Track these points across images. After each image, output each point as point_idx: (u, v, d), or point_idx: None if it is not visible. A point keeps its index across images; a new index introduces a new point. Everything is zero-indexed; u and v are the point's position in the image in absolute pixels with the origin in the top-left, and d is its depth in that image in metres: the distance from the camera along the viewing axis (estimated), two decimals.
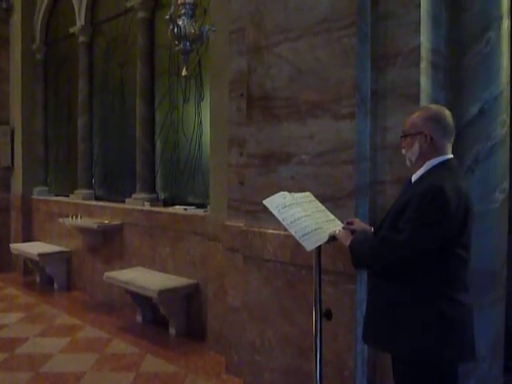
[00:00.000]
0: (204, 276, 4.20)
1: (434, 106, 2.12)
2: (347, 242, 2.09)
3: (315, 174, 2.87)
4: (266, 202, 2.27)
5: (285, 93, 3.01)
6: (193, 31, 3.25)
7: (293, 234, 2.19)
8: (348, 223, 2.26)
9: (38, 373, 3.60)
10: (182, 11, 3.26)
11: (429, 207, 1.83)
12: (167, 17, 3.16)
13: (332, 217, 2.36)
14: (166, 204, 5.04)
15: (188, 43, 3.25)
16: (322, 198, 2.71)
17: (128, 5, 5.24)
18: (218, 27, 3.73)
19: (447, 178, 1.90)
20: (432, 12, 2.63)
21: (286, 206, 2.23)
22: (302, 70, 2.92)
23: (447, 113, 2.03)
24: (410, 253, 1.86)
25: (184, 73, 3.33)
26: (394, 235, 1.89)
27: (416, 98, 2.56)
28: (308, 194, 2.48)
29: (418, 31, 2.55)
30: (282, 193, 2.33)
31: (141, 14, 5.08)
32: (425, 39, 2.57)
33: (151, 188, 5.17)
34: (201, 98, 4.60)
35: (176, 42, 3.26)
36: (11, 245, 6.61)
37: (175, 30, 3.19)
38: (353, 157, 2.70)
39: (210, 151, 4.00)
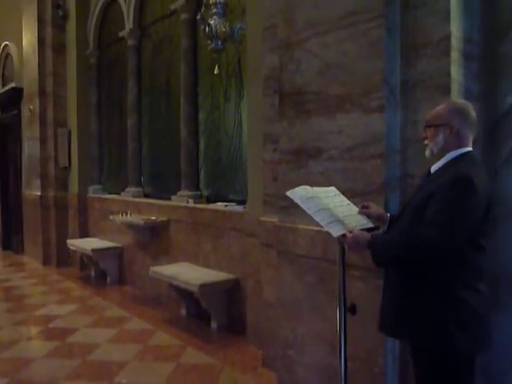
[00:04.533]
0: (243, 271, 4.26)
1: (459, 100, 2.11)
2: (364, 243, 2.05)
3: (344, 168, 2.85)
4: (289, 193, 2.29)
5: (314, 87, 3.00)
6: (224, 30, 3.31)
7: (318, 221, 2.18)
8: (363, 207, 2.29)
9: (85, 360, 3.81)
10: (214, 11, 3.32)
11: (459, 198, 1.81)
12: (198, 17, 3.24)
13: (355, 211, 2.33)
14: (208, 201, 5.14)
15: (220, 42, 3.32)
16: (352, 193, 2.69)
17: (172, 7, 5.39)
18: (254, 25, 3.78)
19: (471, 169, 1.89)
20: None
21: (308, 198, 2.24)
22: (330, 64, 2.90)
23: (471, 106, 2.04)
24: (445, 247, 1.81)
25: (216, 71, 3.40)
26: (426, 230, 1.82)
27: (447, 89, 2.48)
28: (332, 188, 2.46)
29: (447, 20, 2.47)
30: (303, 186, 2.33)
31: (184, 16, 5.21)
32: (455, 28, 2.48)
33: (195, 185, 5.30)
34: (240, 96, 4.66)
35: (209, 42, 3.32)
36: (68, 241, 6.98)
37: (206, 29, 3.26)
38: (382, 150, 2.65)
39: (248, 148, 4.05)
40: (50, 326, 4.68)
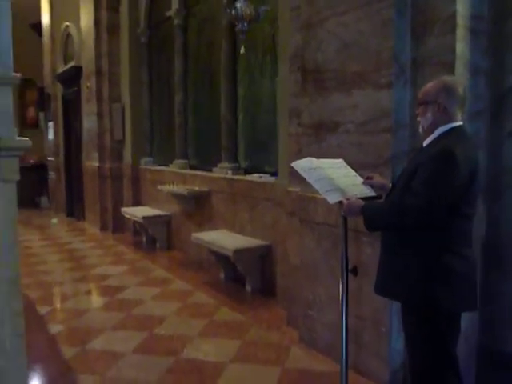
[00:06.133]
0: (274, 238, 4.55)
1: (447, 77, 2.22)
2: (357, 209, 2.24)
3: (358, 142, 3.03)
4: (293, 164, 2.51)
5: (333, 65, 3.18)
6: (248, 12, 3.52)
7: (317, 189, 2.40)
8: (367, 178, 2.46)
9: (130, 314, 4.27)
10: None
11: (441, 169, 1.97)
12: (225, 1, 3.46)
13: (359, 182, 2.51)
14: (246, 172, 5.42)
15: (245, 24, 3.53)
16: (363, 165, 2.88)
17: None
18: (283, 6, 3.96)
19: (457, 142, 2.03)
20: None
21: (311, 169, 2.45)
22: (347, 43, 3.06)
23: (459, 83, 2.18)
24: (430, 214, 1.98)
25: (242, 51, 3.62)
26: (413, 199, 2.00)
27: (451, 66, 2.60)
28: (340, 160, 2.65)
29: None
30: (308, 158, 2.55)
31: None
32: (462, 5, 2.58)
33: (234, 158, 5.60)
34: (274, 73, 4.85)
35: (236, 23, 3.55)
36: (122, 208, 7.53)
37: (233, 12, 3.49)
38: (391, 125, 2.82)
39: (278, 122, 4.28)
40: (104, 283, 5.21)
